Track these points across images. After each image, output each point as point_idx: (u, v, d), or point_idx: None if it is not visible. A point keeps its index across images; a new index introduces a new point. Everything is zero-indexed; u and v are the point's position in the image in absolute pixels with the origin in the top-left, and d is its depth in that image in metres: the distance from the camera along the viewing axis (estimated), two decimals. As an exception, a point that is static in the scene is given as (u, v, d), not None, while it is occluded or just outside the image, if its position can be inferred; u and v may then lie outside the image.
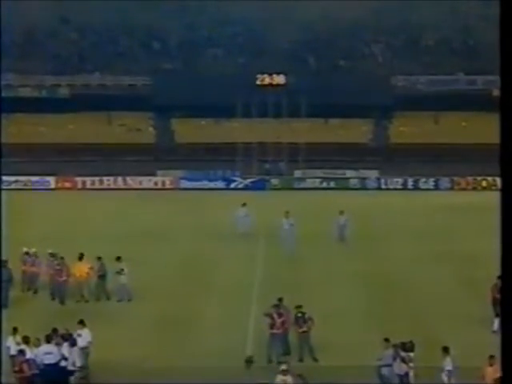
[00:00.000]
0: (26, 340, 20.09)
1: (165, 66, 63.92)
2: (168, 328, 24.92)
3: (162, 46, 65.50)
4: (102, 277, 28.13)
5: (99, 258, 28.31)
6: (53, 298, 27.86)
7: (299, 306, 22.56)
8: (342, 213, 37.82)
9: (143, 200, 49.84)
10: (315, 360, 22.03)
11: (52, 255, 28.61)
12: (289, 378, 18.55)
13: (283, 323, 22.27)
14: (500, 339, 14.82)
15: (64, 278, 27.61)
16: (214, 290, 29.21)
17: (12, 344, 20.51)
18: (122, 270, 28.06)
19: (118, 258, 28.45)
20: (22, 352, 19.55)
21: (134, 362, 21.70)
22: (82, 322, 21.58)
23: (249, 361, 19.23)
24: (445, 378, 19.10)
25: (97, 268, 28.12)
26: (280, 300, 23.03)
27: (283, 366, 18.94)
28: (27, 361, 19.38)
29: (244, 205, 38.87)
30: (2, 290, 26.69)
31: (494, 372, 18.24)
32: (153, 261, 33.22)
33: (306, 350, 22.25)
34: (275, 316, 22.37)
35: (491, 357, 18.37)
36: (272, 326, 22.27)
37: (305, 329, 22.22)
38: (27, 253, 29.11)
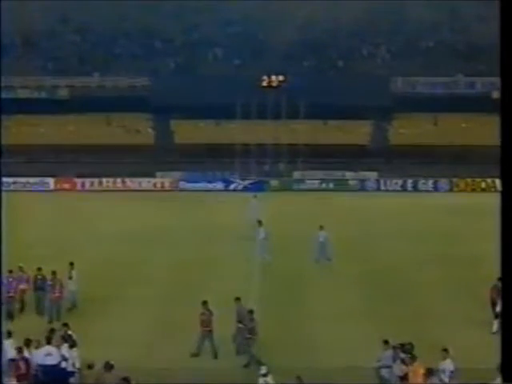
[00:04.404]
0: (27, 343, 20.04)
1: (164, 67, 63.95)
2: (163, 330, 24.89)
3: (161, 48, 65.52)
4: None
5: None
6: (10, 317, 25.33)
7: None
8: (321, 228, 33.30)
9: (142, 201, 49.85)
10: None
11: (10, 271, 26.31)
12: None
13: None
14: (500, 340, 14.85)
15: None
16: (211, 292, 29.16)
17: (9, 348, 20.15)
18: (71, 277, 26.39)
19: (71, 264, 26.52)
20: (20, 350, 19.54)
21: (129, 363, 21.69)
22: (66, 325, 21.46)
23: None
24: (445, 380, 19.11)
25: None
26: (251, 312, 22.43)
27: (263, 370, 18.99)
28: (26, 360, 19.41)
29: (255, 196, 38.85)
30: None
31: (414, 372, 18.78)
32: (151, 262, 33.23)
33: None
34: (207, 313, 22.62)
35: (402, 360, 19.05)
36: (206, 324, 22.51)
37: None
38: None
